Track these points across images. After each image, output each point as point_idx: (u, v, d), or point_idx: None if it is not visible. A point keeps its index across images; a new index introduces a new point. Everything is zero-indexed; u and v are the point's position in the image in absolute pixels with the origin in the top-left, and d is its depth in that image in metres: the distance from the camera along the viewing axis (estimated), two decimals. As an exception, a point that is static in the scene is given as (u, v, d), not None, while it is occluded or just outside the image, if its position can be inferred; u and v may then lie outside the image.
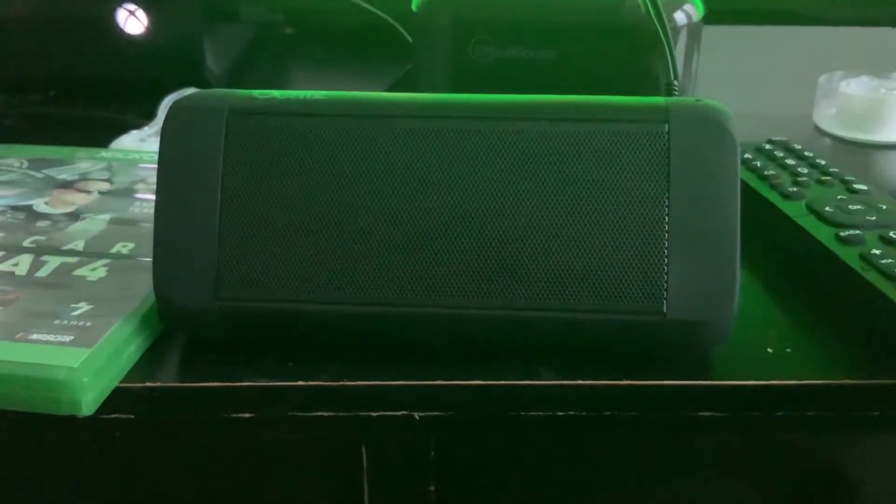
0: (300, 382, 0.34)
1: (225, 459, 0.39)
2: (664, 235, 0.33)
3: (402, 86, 0.60)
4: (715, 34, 0.56)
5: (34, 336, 0.34)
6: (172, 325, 0.37)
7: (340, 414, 0.34)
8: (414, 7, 0.53)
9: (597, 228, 0.33)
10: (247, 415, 0.34)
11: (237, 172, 0.34)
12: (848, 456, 0.40)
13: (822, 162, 0.47)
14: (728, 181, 0.33)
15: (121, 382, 0.34)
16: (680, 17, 0.50)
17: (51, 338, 0.34)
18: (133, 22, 0.67)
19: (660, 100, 0.35)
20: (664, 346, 0.34)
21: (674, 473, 0.40)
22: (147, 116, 0.60)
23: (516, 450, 0.39)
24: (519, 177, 0.34)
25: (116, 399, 0.34)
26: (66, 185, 0.49)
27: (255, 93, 0.36)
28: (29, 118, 0.66)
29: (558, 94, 0.36)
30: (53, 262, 0.40)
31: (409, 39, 0.56)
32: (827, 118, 0.64)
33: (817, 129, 0.64)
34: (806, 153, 0.49)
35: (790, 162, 0.48)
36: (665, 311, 0.33)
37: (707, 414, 0.34)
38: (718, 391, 0.34)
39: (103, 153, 0.54)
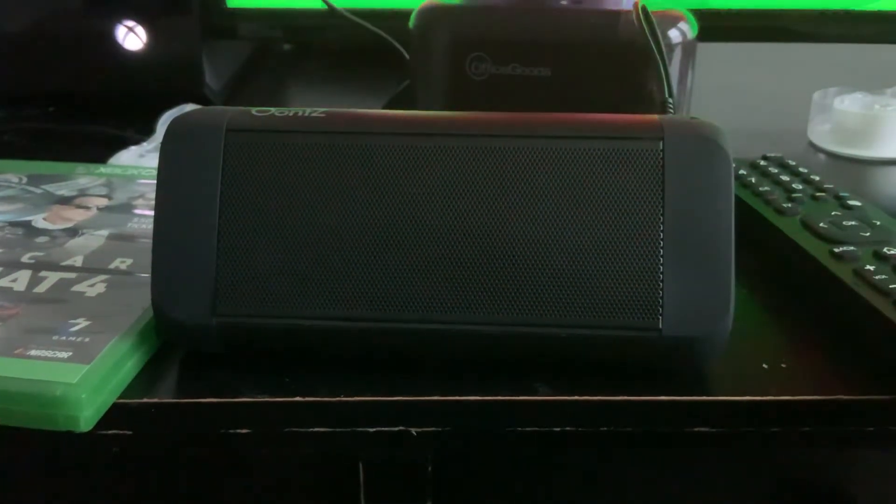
0: (297, 398, 0.34)
1: (222, 475, 0.39)
2: (659, 252, 0.33)
3: (400, 102, 0.61)
4: (709, 51, 0.56)
5: (32, 352, 0.34)
6: (171, 341, 0.37)
7: (337, 430, 0.34)
8: (411, 24, 0.54)
9: (592, 245, 0.33)
10: (244, 430, 0.34)
11: (235, 189, 0.35)
12: (843, 471, 0.40)
13: (817, 178, 0.48)
14: (722, 198, 0.33)
15: (119, 398, 0.34)
16: (674, 34, 0.51)
17: (49, 353, 0.34)
18: (132, 38, 0.68)
19: (654, 118, 0.35)
20: (659, 361, 0.34)
21: (669, 489, 0.40)
22: (146, 132, 0.60)
23: (513, 465, 0.39)
24: (515, 194, 0.34)
25: (114, 415, 0.34)
26: (65, 201, 0.49)
27: (254, 110, 0.36)
28: (28, 133, 0.67)
29: (554, 110, 0.36)
30: (52, 277, 0.40)
31: (406, 56, 0.56)
32: (821, 134, 0.64)
33: (812, 145, 0.64)
34: (800, 169, 0.49)
35: (784, 178, 0.48)
36: (661, 326, 0.33)
37: (702, 429, 0.34)
38: (714, 406, 0.34)
39: (102, 169, 0.54)
